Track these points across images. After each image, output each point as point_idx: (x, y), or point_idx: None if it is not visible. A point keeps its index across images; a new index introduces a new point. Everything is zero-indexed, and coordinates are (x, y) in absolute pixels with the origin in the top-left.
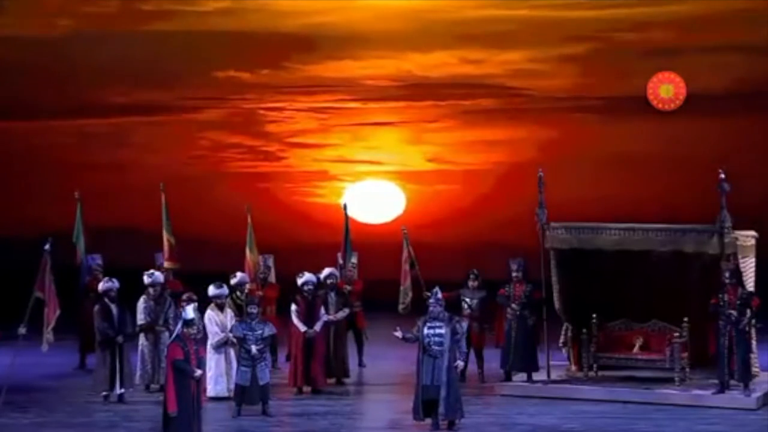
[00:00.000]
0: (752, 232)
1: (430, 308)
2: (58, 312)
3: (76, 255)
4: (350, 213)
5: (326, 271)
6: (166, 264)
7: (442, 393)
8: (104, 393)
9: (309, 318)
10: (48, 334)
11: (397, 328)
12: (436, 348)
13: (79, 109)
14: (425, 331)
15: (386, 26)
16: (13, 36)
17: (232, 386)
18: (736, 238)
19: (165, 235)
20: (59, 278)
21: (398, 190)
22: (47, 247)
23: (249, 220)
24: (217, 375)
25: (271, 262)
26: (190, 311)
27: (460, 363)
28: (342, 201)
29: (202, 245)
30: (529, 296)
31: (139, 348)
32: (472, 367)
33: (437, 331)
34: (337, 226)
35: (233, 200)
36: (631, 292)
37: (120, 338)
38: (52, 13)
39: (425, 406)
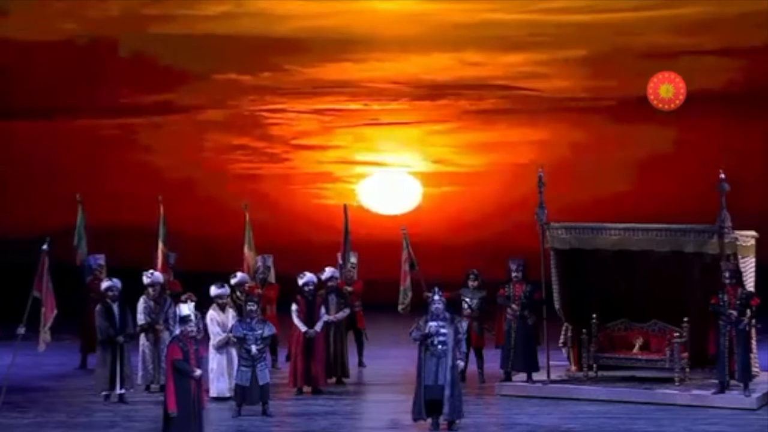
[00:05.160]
0: (752, 232)
1: (433, 306)
2: (55, 312)
3: (77, 256)
4: (364, 202)
5: (327, 272)
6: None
7: (447, 393)
8: (105, 393)
9: (309, 318)
10: (45, 334)
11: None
12: (440, 348)
13: (82, 110)
14: (427, 330)
15: (387, 29)
16: (16, 39)
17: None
18: (736, 238)
19: (160, 245)
20: (58, 278)
21: (417, 184)
22: (45, 247)
23: (246, 217)
24: (218, 375)
25: (270, 262)
26: (184, 309)
27: (460, 363)
28: (346, 202)
29: (205, 246)
30: (529, 296)
31: (140, 348)
32: (472, 367)
33: (441, 330)
34: (339, 227)
35: (237, 202)
36: (631, 292)
37: (121, 338)
38: (55, 16)
39: (428, 406)
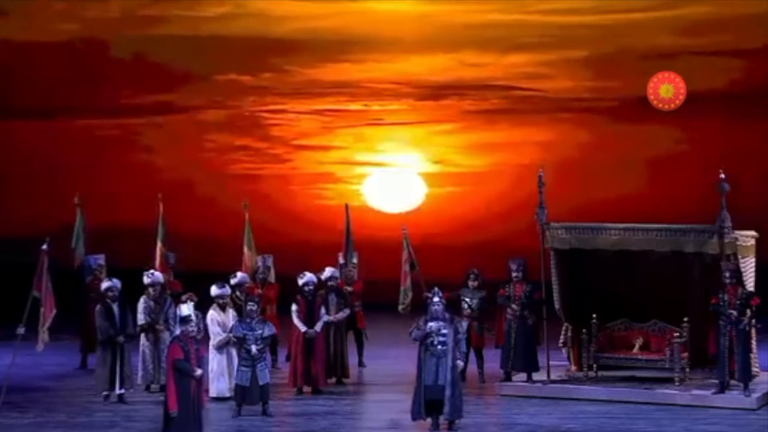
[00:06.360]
0: (752, 232)
1: (433, 307)
2: (54, 311)
3: (74, 258)
4: (368, 198)
5: (327, 272)
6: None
7: (447, 393)
8: (105, 393)
9: (309, 318)
10: (43, 334)
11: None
12: (440, 348)
13: (82, 110)
14: (428, 330)
15: (386, 30)
16: (16, 39)
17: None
18: (736, 238)
19: (158, 245)
20: (58, 278)
21: (419, 184)
22: (45, 246)
23: (246, 217)
24: (218, 375)
25: (270, 262)
26: (184, 309)
27: (459, 363)
28: (347, 202)
29: (207, 246)
30: (529, 296)
31: (140, 348)
32: (472, 367)
33: (441, 330)
34: (339, 227)
35: (237, 202)
36: (631, 292)
37: (121, 338)
38: (55, 16)
39: (428, 406)
